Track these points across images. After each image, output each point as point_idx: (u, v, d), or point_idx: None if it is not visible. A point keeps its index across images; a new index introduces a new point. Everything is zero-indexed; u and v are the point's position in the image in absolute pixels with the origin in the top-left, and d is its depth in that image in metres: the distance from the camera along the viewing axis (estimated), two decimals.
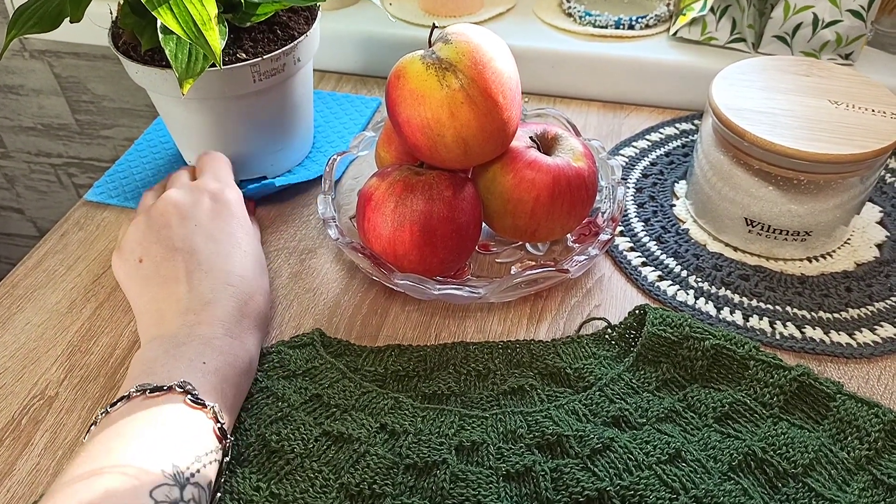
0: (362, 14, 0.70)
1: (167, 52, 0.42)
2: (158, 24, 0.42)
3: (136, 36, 0.49)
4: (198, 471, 0.33)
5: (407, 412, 0.40)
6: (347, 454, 0.37)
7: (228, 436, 0.36)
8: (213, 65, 0.44)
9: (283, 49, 0.50)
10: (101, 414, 0.35)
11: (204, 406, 0.35)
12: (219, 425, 0.35)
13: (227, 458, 0.36)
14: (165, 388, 0.35)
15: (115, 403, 0.35)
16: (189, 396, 0.35)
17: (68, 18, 0.46)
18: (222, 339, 0.39)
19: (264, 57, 0.49)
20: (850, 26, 0.59)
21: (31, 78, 0.96)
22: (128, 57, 0.50)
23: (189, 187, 0.46)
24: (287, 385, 0.41)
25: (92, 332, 0.46)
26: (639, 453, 0.36)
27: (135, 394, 0.35)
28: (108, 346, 0.45)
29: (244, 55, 0.49)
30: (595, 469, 0.36)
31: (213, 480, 0.34)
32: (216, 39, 0.41)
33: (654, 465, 0.36)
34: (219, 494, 0.35)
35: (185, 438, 0.34)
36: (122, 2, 0.49)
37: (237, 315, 0.40)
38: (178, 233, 0.43)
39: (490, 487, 0.35)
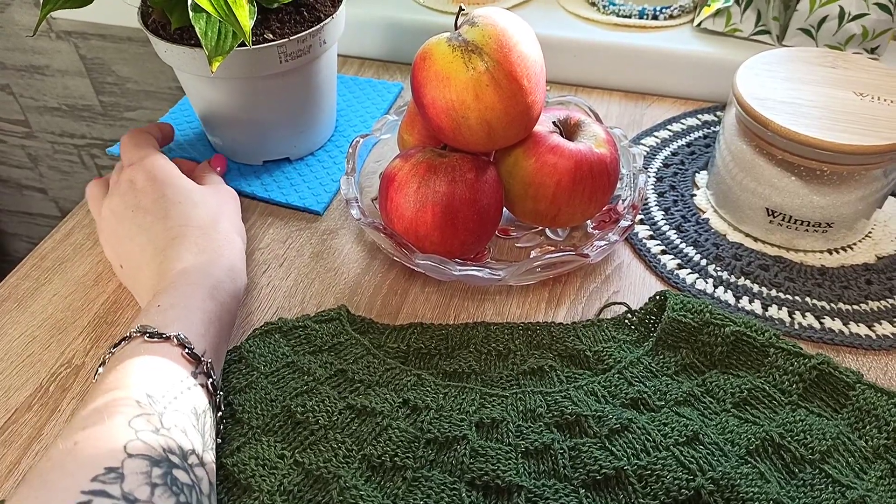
0: (386, 0, 0.71)
1: (197, 29, 0.43)
2: (189, 2, 0.43)
3: (165, 14, 0.50)
4: (175, 397, 0.33)
5: (429, 389, 0.40)
6: (370, 427, 0.38)
7: (203, 357, 0.36)
8: (242, 43, 0.44)
9: (310, 30, 0.50)
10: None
11: (166, 338, 0.36)
12: (187, 350, 0.36)
13: (214, 378, 0.37)
14: (125, 338, 0.36)
15: (95, 373, 0.36)
16: (146, 335, 0.36)
17: None
18: (176, 282, 0.40)
19: (291, 38, 0.49)
20: (877, 20, 0.59)
21: (57, 59, 0.97)
22: (157, 35, 0.50)
23: (113, 184, 0.47)
24: (313, 360, 0.41)
25: (118, 304, 0.47)
26: (657, 434, 0.37)
27: (106, 357, 0.36)
28: (133, 318, 0.46)
29: (271, 36, 0.50)
30: (613, 448, 0.36)
31: (204, 403, 0.35)
32: (246, 17, 0.42)
33: (671, 447, 0.36)
34: (220, 413, 0.37)
35: (154, 370, 0.34)
36: None
37: (189, 256, 0.41)
38: (123, 226, 0.45)
39: (509, 463, 0.36)
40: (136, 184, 0.46)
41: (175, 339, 0.36)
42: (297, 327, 0.43)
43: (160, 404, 0.32)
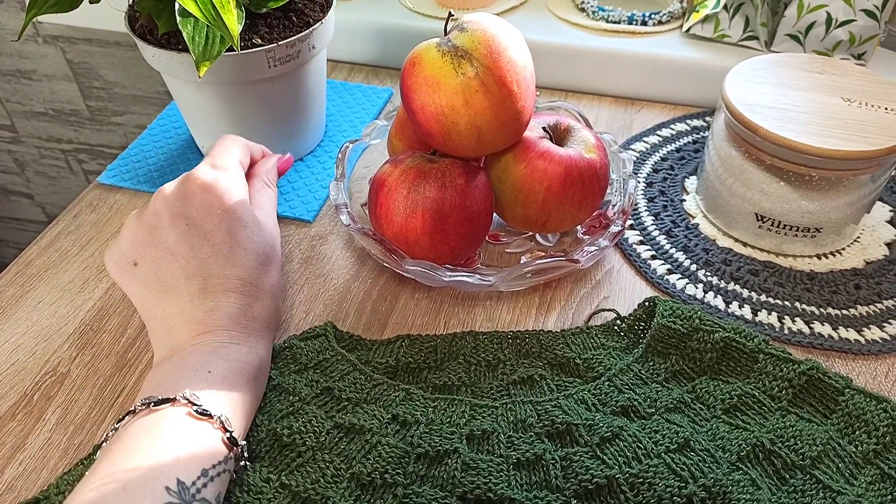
0: (376, 4, 0.71)
1: (184, 34, 0.43)
2: (177, 7, 0.43)
3: (153, 19, 0.49)
4: (204, 485, 0.32)
5: (418, 403, 0.40)
6: (359, 445, 0.37)
7: (240, 442, 0.35)
8: (230, 49, 0.44)
9: (299, 35, 0.50)
10: (111, 431, 0.34)
11: (210, 416, 0.34)
12: (227, 434, 0.34)
13: (244, 463, 0.35)
14: (169, 399, 0.34)
15: (122, 419, 0.34)
16: (194, 407, 0.34)
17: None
18: (228, 346, 0.37)
19: (280, 43, 0.49)
20: (864, 26, 0.59)
21: (44, 63, 0.96)
22: (144, 40, 0.50)
23: (181, 180, 0.42)
24: (298, 379, 0.40)
25: (104, 311, 0.47)
26: (647, 442, 0.36)
27: (140, 407, 0.34)
28: (119, 326, 0.46)
29: (260, 41, 0.50)
30: (604, 457, 0.36)
31: (223, 492, 0.33)
32: (234, 22, 0.42)
33: (662, 454, 0.36)
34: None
35: (191, 451, 0.32)
36: None
37: (242, 320, 0.39)
38: (171, 234, 0.40)
39: (500, 475, 0.36)
40: (209, 193, 0.41)
41: (218, 421, 0.34)
42: (283, 349, 0.42)
43: (189, 492, 0.31)
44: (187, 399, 0.34)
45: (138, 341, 0.45)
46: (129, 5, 0.53)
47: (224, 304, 0.39)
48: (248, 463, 0.35)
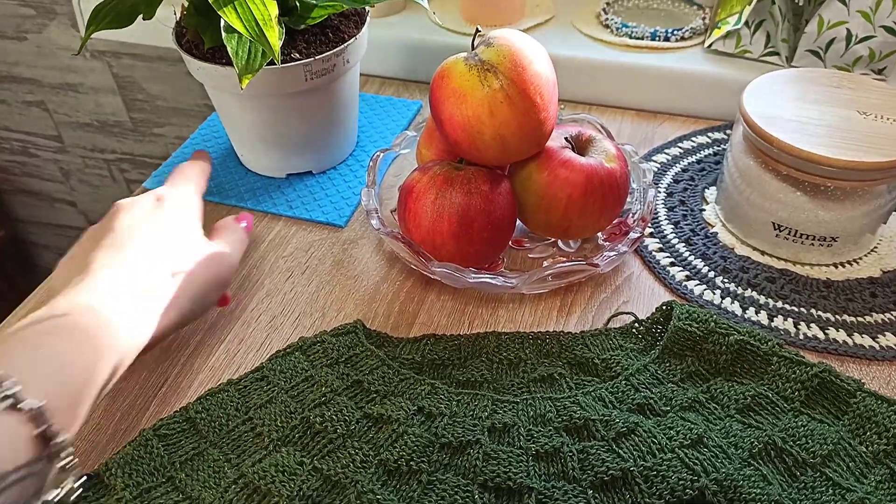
0: (407, 22, 0.74)
1: (229, 48, 0.46)
2: (222, 23, 0.46)
3: (199, 35, 0.53)
4: None
5: (443, 396, 0.42)
6: (386, 434, 0.39)
7: (60, 438, 0.30)
8: (270, 62, 0.47)
9: (334, 50, 0.53)
10: None
11: (19, 409, 0.29)
12: (40, 429, 0.29)
13: (66, 462, 0.31)
14: None
15: None
16: (7, 401, 0.29)
17: (141, 16, 0.49)
18: (77, 315, 0.34)
19: (316, 57, 0.52)
20: (884, 42, 0.61)
21: (91, 77, 1.01)
22: (190, 54, 0.53)
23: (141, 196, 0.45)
24: (330, 372, 0.43)
25: None
26: (662, 437, 0.38)
27: None
28: None
29: (298, 55, 0.53)
30: (620, 451, 0.38)
31: (30, 496, 0.30)
32: (276, 37, 0.44)
33: (676, 449, 0.37)
34: None
35: None
36: (186, 3, 0.53)
37: (108, 294, 0.37)
38: (112, 225, 0.41)
39: (520, 466, 0.37)
40: (157, 202, 0.44)
41: (31, 413, 0.29)
42: (315, 343, 0.45)
43: None
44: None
45: (180, 335, 0.48)
46: (177, 21, 0.56)
47: (102, 273, 0.37)
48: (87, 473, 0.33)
